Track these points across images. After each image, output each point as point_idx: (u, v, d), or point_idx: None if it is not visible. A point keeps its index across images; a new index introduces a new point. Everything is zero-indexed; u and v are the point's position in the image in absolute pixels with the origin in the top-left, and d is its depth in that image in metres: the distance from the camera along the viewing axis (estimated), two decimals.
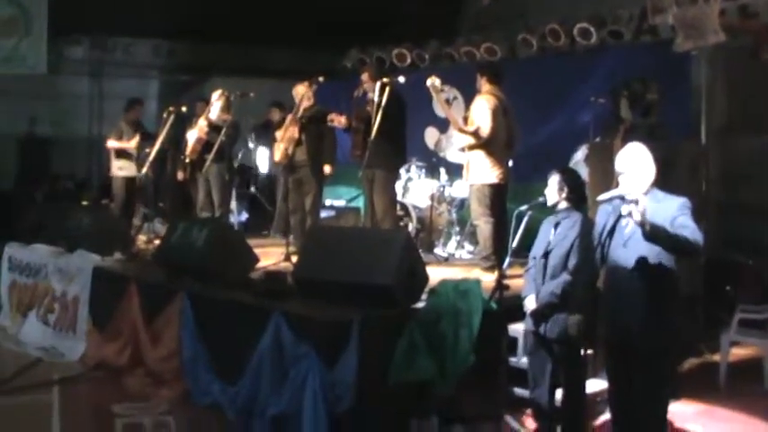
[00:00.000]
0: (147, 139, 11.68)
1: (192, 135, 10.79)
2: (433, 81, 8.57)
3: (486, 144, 8.48)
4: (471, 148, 8.61)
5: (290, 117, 9.57)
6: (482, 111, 8.47)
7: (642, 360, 5.20)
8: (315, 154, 9.65)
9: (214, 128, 10.54)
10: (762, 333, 7.76)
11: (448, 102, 10.78)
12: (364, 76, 9.32)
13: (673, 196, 5.20)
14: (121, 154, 11.79)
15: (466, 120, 8.77)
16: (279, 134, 9.67)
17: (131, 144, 11.64)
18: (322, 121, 9.62)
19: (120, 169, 11.86)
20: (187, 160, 10.95)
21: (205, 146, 10.56)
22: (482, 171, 8.53)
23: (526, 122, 9.74)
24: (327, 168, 9.94)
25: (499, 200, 8.60)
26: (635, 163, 5.27)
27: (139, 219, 11.80)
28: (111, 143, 11.90)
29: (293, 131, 9.40)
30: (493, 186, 8.54)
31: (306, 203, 9.71)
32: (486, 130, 8.42)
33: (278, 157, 9.65)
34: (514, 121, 8.78)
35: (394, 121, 8.81)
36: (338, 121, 9.46)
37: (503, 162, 8.60)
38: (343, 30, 14.13)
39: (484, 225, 8.56)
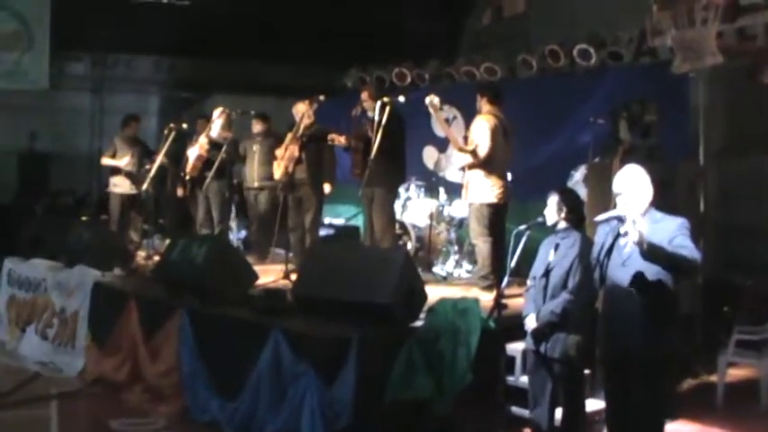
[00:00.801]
0: (148, 154, 11.74)
1: (193, 152, 10.82)
2: (431, 99, 8.62)
3: (485, 164, 8.51)
4: (470, 167, 8.64)
5: (290, 135, 9.61)
6: (481, 131, 8.51)
7: (639, 380, 5.22)
8: (315, 172, 9.69)
9: (215, 145, 10.58)
10: (759, 354, 7.77)
11: (447, 121, 10.81)
12: (364, 95, 9.37)
13: (671, 216, 5.23)
14: (116, 171, 11.85)
15: (466, 139, 8.81)
16: (279, 152, 9.70)
17: (121, 163, 11.67)
18: (322, 139, 9.66)
19: (115, 186, 11.92)
20: (187, 177, 10.98)
21: (205, 163, 10.60)
22: (481, 191, 8.56)
23: (526, 143, 9.79)
24: (327, 187, 9.96)
25: (498, 219, 8.62)
26: (633, 184, 5.31)
27: (138, 235, 11.83)
28: (105, 160, 11.96)
29: (293, 150, 9.43)
30: (492, 206, 8.56)
31: (305, 221, 9.74)
32: (484, 150, 8.45)
33: (278, 175, 9.67)
34: (513, 141, 8.82)
35: (394, 140, 8.86)
36: (338, 140, 9.49)
37: (502, 182, 8.63)
38: (344, 48, 14.20)
39: (482, 244, 8.58)
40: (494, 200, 8.54)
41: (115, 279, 9.02)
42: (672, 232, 5.10)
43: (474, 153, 8.48)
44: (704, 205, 9.04)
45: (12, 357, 9.19)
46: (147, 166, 11.34)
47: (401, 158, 9.27)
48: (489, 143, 8.45)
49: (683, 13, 8.45)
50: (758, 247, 9.54)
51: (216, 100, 13.74)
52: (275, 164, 9.76)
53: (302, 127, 9.54)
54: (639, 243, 4.94)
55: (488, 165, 8.52)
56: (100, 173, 13.49)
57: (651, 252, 4.96)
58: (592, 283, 5.76)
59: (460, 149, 8.71)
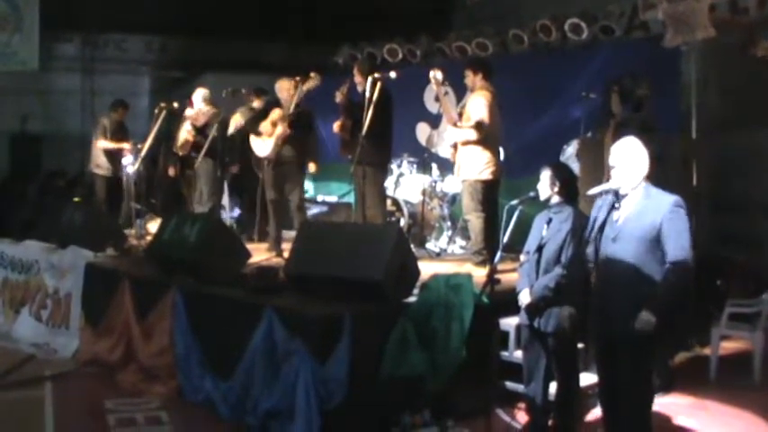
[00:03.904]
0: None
1: (182, 136, 10.73)
2: (435, 74, 8.72)
3: (482, 140, 8.49)
4: (465, 143, 8.62)
5: (280, 112, 9.49)
6: (480, 107, 8.47)
7: (627, 355, 5.23)
8: (301, 151, 9.65)
9: (202, 130, 10.51)
10: (751, 327, 7.81)
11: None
12: (354, 69, 9.34)
13: (664, 193, 5.21)
14: (108, 153, 11.88)
15: (461, 116, 8.78)
16: (264, 128, 9.55)
17: (126, 146, 11.69)
18: (308, 120, 9.65)
19: (98, 167, 11.99)
20: (180, 153, 10.93)
21: (194, 145, 10.54)
22: (476, 167, 8.53)
23: (518, 118, 9.78)
24: (312, 166, 9.95)
25: (491, 195, 8.61)
26: (625, 157, 5.30)
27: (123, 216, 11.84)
28: (104, 143, 11.91)
29: (285, 128, 9.36)
30: (486, 182, 8.55)
31: (293, 199, 9.68)
32: (486, 127, 8.44)
33: (267, 152, 9.53)
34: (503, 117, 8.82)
35: (384, 117, 8.83)
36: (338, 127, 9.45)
37: (496, 158, 8.62)
38: (335, 26, 14.14)
39: (476, 220, 8.58)
40: (488, 176, 8.53)
41: (108, 259, 9.00)
42: (663, 213, 5.08)
43: (478, 128, 8.44)
44: (697, 179, 9.05)
45: (6, 339, 9.18)
46: (139, 146, 11.32)
47: (391, 136, 9.23)
48: (489, 120, 8.44)
49: None
50: (750, 220, 9.56)
51: (207, 78, 13.66)
52: (261, 139, 9.60)
53: (294, 105, 9.47)
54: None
55: (484, 141, 8.50)
56: (90, 153, 13.42)
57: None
58: (585, 256, 5.79)
59: (455, 125, 8.69)
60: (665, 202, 5.14)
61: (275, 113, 9.52)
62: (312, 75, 9.39)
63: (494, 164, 8.56)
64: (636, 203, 5.25)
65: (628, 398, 5.26)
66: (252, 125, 9.71)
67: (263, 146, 9.54)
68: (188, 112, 10.81)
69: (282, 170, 9.56)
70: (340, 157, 9.95)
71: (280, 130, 9.33)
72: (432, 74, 8.76)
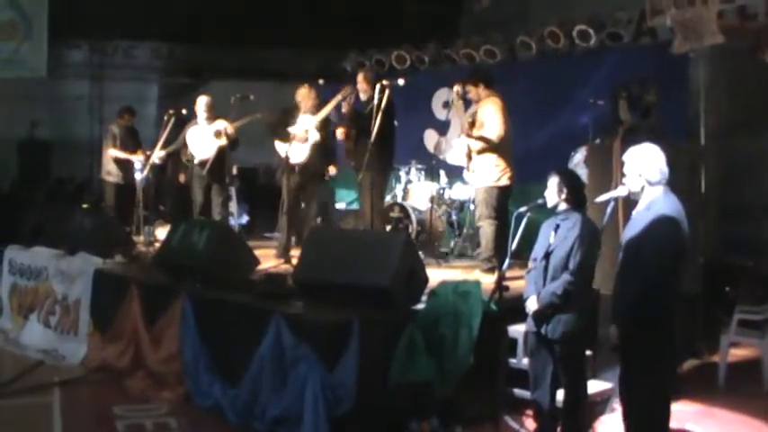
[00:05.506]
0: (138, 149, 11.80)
1: (208, 148, 10.56)
2: (458, 88, 8.89)
3: (498, 147, 8.53)
4: (481, 151, 8.63)
5: (319, 119, 9.43)
6: (493, 115, 8.51)
7: (630, 358, 5.26)
8: (324, 159, 9.70)
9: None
10: (760, 334, 7.78)
11: (447, 104, 10.84)
12: (359, 78, 9.35)
13: (667, 205, 5.18)
14: (118, 161, 11.86)
15: (472, 125, 8.78)
16: (295, 132, 9.44)
17: (137, 158, 11.63)
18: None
19: (109, 174, 11.98)
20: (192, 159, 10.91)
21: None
22: (492, 174, 8.58)
23: (526, 124, 9.78)
24: (333, 169, 10.00)
25: (505, 202, 8.66)
26: (630, 164, 5.33)
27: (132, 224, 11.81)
28: (116, 152, 11.89)
29: (315, 134, 9.36)
30: (501, 189, 8.60)
31: (312, 207, 9.70)
32: (501, 134, 8.47)
33: (304, 157, 9.46)
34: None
35: (390, 124, 8.86)
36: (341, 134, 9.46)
37: (511, 165, 8.64)
38: (343, 32, 14.16)
39: (488, 227, 8.60)
40: (506, 182, 8.60)
41: (116, 266, 9.02)
42: (644, 227, 5.11)
43: (491, 136, 8.47)
44: (705, 185, 9.02)
45: (15, 345, 9.20)
46: (148, 152, 11.34)
47: (394, 142, 9.25)
48: (503, 126, 8.47)
49: None
50: (759, 226, 9.52)
51: (215, 85, 13.68)
52: (292, 144, 9.47)
53: (327, 112, 9.45)
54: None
55: (501, 147, 8.54)
56: (101, 160, 13.44)
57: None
58: (593, 263, 5.82)
59: (469, 135, 8.69)
60: (650, 215, 5.15)
61: (306, 119, 9.47)
62: (347, 87, 9.38)
63: (510, 170, 8.63)
64: (635, 212, 5.30)
65: (641, 399, 5.28)
66: (279, 130, 9.68)
67: (295, 150, 9.46)
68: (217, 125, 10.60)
69: (307, 177, 9.56)
70: (344, 164, 10.00)
71: (317, 136, 9.34)
72: (456, 88, 8.93)
